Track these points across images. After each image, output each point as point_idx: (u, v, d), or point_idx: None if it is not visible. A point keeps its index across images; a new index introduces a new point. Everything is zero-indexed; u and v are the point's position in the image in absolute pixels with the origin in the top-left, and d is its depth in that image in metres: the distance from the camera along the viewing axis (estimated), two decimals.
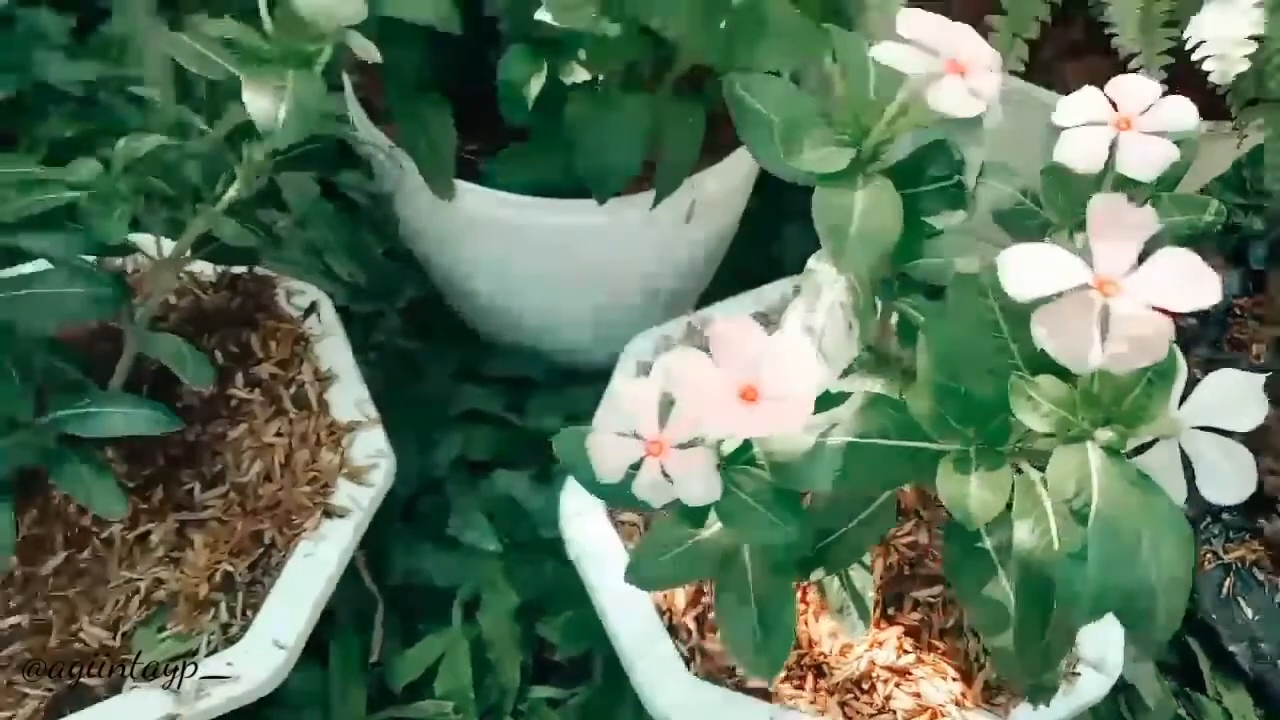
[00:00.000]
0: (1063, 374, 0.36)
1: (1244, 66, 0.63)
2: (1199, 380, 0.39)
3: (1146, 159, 0.42)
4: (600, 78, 0.69)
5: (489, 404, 0.90)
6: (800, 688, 0.62)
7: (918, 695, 0.63)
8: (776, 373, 0.37)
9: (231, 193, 0.63)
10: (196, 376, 0.61)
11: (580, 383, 0.88)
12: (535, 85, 0.66)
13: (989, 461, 0.38)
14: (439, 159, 0.71)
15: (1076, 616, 0.33)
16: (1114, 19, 0.70)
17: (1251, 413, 0.34)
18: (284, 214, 1.00)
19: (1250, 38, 0.65)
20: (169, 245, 0.66)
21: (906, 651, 0.64)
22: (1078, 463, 0.35)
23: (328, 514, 0.67)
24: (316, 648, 0.70)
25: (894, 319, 0.50)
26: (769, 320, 0.79)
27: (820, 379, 0.40)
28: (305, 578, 0.65)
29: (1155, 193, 0.48)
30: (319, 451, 0.70)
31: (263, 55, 0.59)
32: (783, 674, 0.62)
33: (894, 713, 0.62)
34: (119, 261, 0.74)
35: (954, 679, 0.63)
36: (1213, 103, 0.72)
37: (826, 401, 0.41)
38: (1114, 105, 0.43)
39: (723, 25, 0.63)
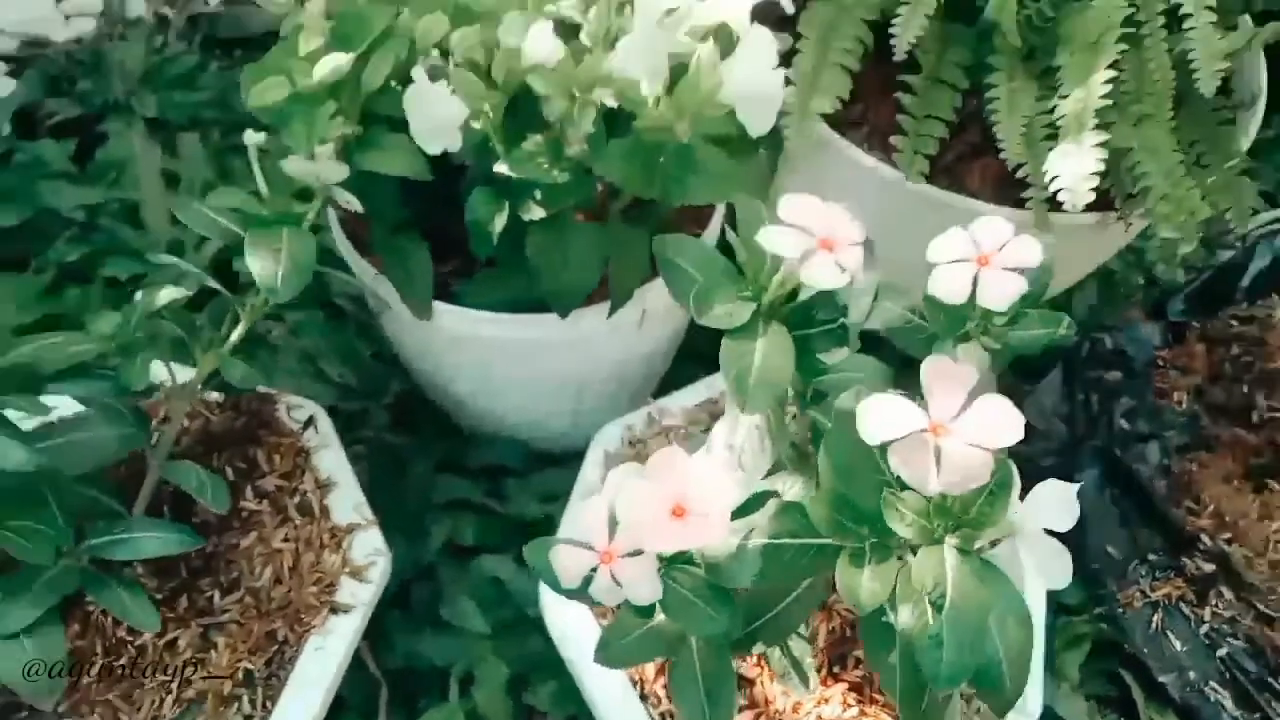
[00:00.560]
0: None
1: (1090, 198, 0.72)
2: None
3: (1002, 293, 0.50)
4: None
5: (471, 493, 0.97)
6: None
7: None
8: (700, 493, 0.45)
9: (235, 336, 0.70)
10: (216, 501, 0.67)
11: (557, 464, 0.96)
12: (499, 222, 0.71)
13: (879, 555, 0.45)
14: (417, 287, 0.78)
15: (936, 687, 0.41)
16: (1001, 135, 0.78)
17: (1067, 518, 0.43)
18: (279, 323, 1.08)
19: (1113, 150, 0.74)
20: (179, 369, 0.72)
21: (850, 705, 0.71)
22: (935, 561, 0.42)
23: (333, 610, 0.74)
24: None
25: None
26: (717, 404, 0.88)
27: (737, 495, 0.48)
28: (316, 670, 0.72)
29: (1020, 310, 0.57)
30: (323, 554, 0.76)
31: (261, 219, 0.67)
32: None
33: None
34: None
35: None
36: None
37: (753, 503, 0.49)
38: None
39: (659, 164, 0.70)
